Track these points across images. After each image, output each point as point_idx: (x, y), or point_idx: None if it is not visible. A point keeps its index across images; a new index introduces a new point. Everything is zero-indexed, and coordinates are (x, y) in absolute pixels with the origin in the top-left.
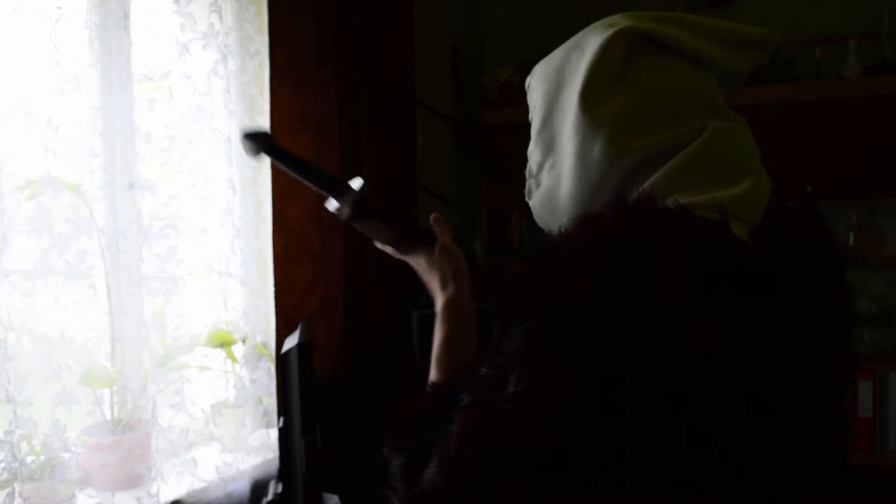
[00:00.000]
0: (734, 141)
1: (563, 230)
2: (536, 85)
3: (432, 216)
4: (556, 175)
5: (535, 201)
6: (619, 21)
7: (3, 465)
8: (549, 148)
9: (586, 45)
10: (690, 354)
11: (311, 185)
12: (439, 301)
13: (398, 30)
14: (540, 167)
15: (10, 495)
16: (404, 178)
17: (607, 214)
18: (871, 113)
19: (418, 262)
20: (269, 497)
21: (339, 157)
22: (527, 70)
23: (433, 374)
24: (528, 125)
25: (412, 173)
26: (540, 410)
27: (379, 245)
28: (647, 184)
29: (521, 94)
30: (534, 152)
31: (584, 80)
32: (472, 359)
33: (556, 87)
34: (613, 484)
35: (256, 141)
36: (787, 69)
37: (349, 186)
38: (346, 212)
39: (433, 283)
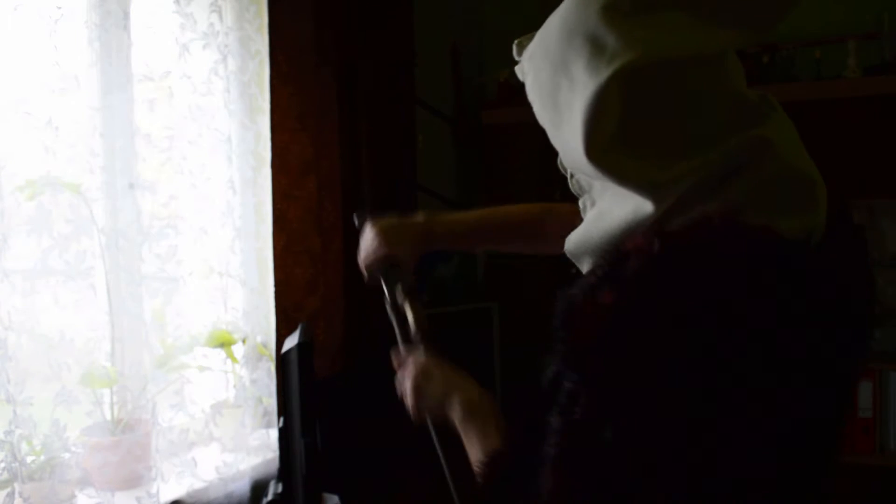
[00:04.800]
0: (786, 150)
1: (627, 252)
2: (532, 93)
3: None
4: (609, 200)
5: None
6: (603, 35)
7: (3, 465)
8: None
9: (575, 75)
10: (775, 379)
11: None
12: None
13: (398, 30)
14: (590, 186)
15: (10, 495)
16: (404, 178)
17: (684, 233)
18: (871, 113)
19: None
20: (269, 497)
21: (339, 157)
22: None
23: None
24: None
25: (412, 173)
26: (646, 448)
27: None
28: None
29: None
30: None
31: (586, 135)
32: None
33: (556, 121)
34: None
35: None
36: (787, 69)
37: None
38: None
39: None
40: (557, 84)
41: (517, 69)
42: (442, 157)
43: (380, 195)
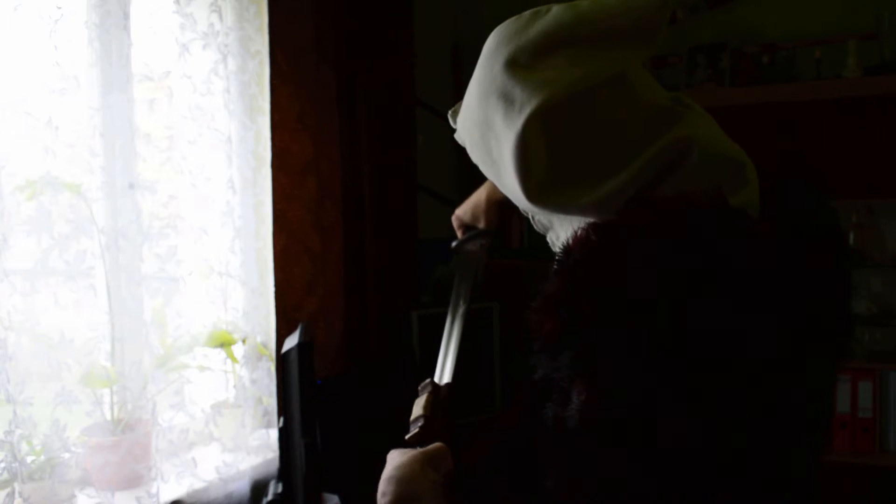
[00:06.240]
0: (712, 139)
1: (570, 249)
2: (473, 156)
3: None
4: (568, 230)
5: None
6: (511, 89)
7: (3, 465)
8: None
9: (498, 131)
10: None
11: None
12: None
13: (398, 30)
14: (550, 222)
15: (10, 495)
16: (404, 178)
17: (611, 221)
18: (871, 113)
19: None
20: (269, 497)
21: (339, 157)
22: None
23: None
24: None
25: (412, 173)
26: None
27: None
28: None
29: None
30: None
31: (521, 182)
32: None
33: (497, 175)
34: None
35: None
36: (787, 69)
37: None
38: None
39: None
40: (488, 142)
41: (456, 136)
42: (442, 157)
43: (380, 195)
